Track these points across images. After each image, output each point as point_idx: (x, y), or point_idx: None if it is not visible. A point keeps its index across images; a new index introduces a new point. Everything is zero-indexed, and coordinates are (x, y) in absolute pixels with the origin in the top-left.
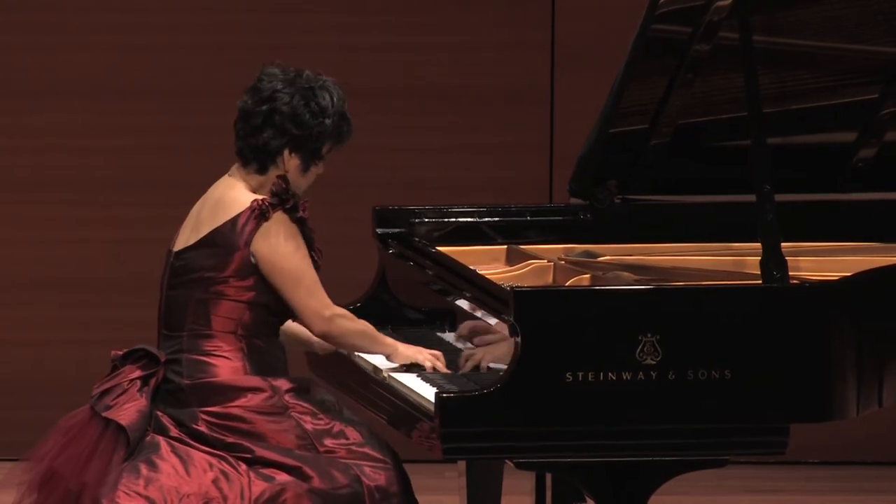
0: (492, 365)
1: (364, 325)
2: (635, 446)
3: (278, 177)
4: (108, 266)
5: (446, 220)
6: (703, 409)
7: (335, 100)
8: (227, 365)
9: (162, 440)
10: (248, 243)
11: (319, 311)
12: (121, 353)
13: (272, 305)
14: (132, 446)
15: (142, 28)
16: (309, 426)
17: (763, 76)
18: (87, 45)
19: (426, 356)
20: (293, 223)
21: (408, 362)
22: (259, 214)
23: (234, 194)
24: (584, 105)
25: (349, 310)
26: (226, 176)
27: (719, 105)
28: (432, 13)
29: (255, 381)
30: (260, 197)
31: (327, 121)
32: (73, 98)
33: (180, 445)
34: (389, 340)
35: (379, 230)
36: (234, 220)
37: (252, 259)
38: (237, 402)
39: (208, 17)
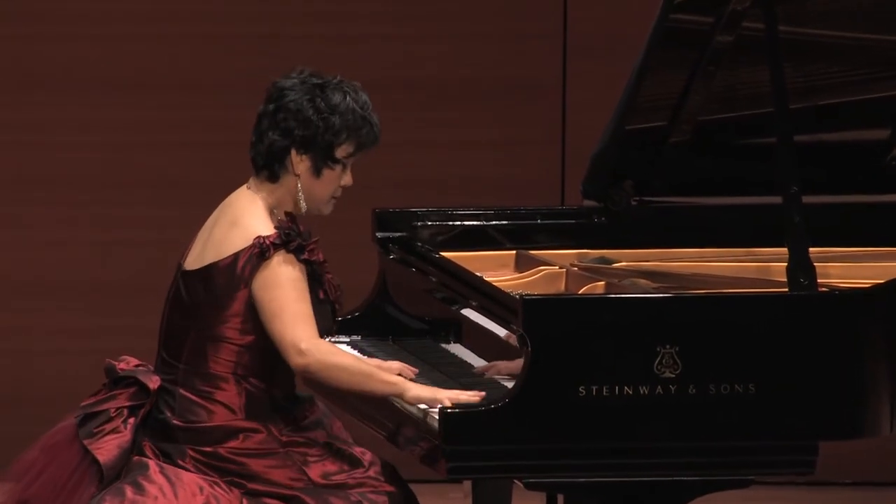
0: (498, 378)
1: (354, 361)
2: (653, 465)
3: (286, 213)
4: (93, 270)
5: (451, 223)
6: (725, 426)
7: (349, 99)
8: (220, 408)
9: (151, 461)
10: (247, 284)
11: (295, 343)
12: (116, 363)
13: (273, 349)
14: (105, 483)
15: (126, 17)
16: (311, 465)
17: (789, 69)
18: (67, 36)
19: (446, 396)
20: (298, 263)
21: (422, 405)
22: (259, 254)
23: (247, 221)
24: (599, 99)
25: (346, 319)
26: (244, 188)
27: (742, 100)
28: (438, 3)
29: (250, 424)
30: (264, 234)
31: (334, 118)
32: (54, 91)
33: (169, 466)
34: (394, 377)
35: (379, 234)
36: (235, 258)
37: (252, 299)
38: (229, 444)
39: (197, 6)
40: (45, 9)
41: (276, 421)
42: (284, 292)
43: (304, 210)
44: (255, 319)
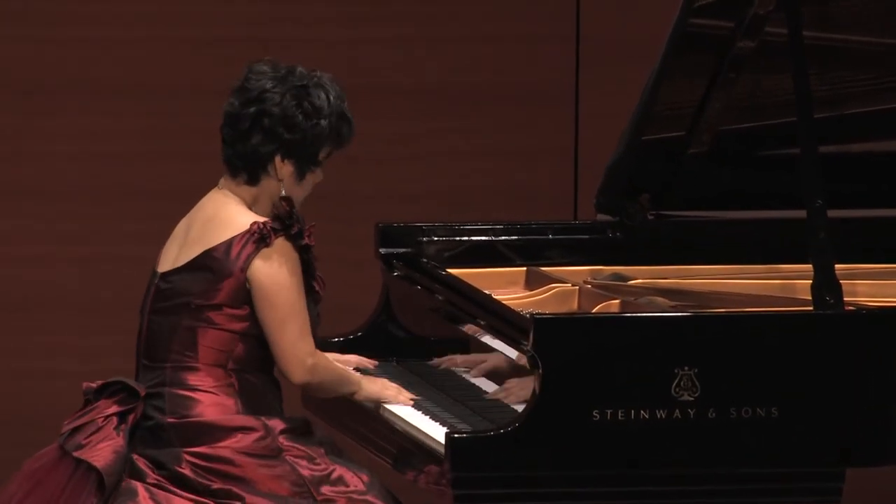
0: (508, 401)
1: (335, 367)
2: (670, 493)
3: (282, 198)
4: (79, 287)
5: (458, 238)
6: (746, 452)
7: (332, 98)
8: (213, 401)
9: (140, 486)
10: (243, 269)
11: (303, 359)
12: (94, 385)
13: (266, 345)
14: (108, 492)
15: (115, 19)
16: (305, 472)
17: (814, 76)
18: (53, 39)
19: (391, 392)
20: (295, 252)
21: (372, 400)
22: (259, 238)
23: (230, 213)
24: (614, 107)
25: (348, 339)
26: (215, 190)
27: (765, 109)
28: (443, 3)
29: (245, 419)
30: (262, 219)
31: (323, 122)
32: (36, 97)
33: (160, 491)
34: (355, 377)
35: (382, 250)
36: (229, 243)
37: (247, 286)
38: (226, 443)
39: (191, 7)
40: (27, 10)
41: (273, 421)
42: (290, 293)
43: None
44: (249, 306)
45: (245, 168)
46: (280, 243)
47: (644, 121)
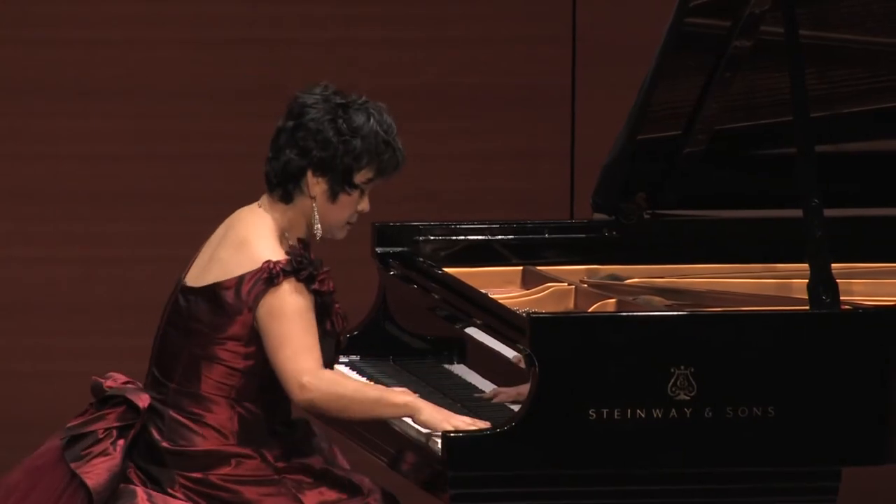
0: (505, 401)
1: (359, 387)
2: (666, 492)
3: (299, 239)
4: (82, 289)
5: (454, 237)
6: (742, 451)
7: (373, 122)
8: (212, 433)
9: (139, 489)
10: (251, 308)
11: (297, 377)
12: (103, 381)
13: (270, 374)
14: None
15: (114, 21)
16: (306, 492)
17: (810, 76)
18: (51, 41)
19: (461, 421)
20: (308, 293)
21: (437, 429)
22: (267, 279)
23: (256, 242)
24: (610, 107)
25: (346, 338)
26: (255, 205)
27: (761, 108)
28: (438, 4)
29: (242, 449)
30: (274, 259)
31: (356, 141)
32: (34, 99)
33: (158, 494)
34: (404, 398)
35: (379, 249)
36: (240, 279)
37: (255, 325)
38: (221, 471)
39: (191, 9)
40: (25, 12)
41: (271, 447)
42: (291, 324)
43: (318, 235)
44: (255, 344)
45: (279, 183)
46: (288, 284)
47: (640, 120)
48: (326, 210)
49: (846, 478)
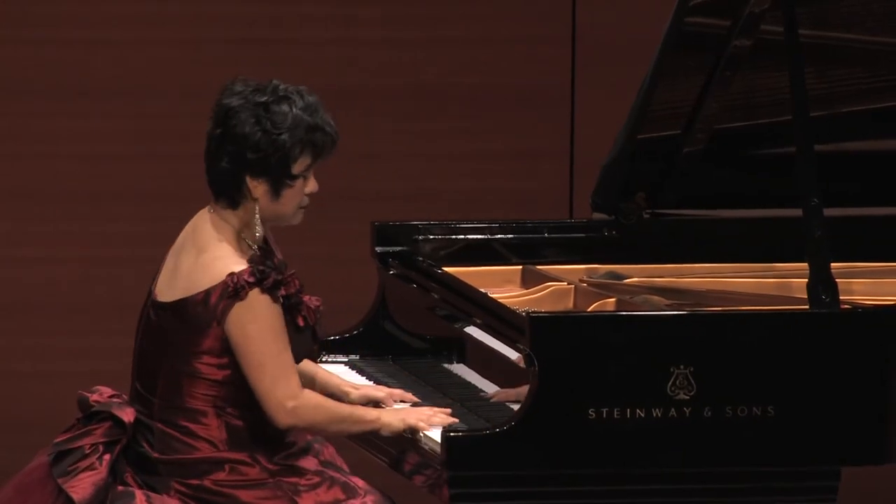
0: (505, 400)
1: (336, 409)
2: (665, 492)
3: (260, 247)
4: (77, 289)
5: (454, 236)
6: (742, 451)
7: (295, 110)
8: (204, 446)
9: (138, 492)
10: (220, 322)
11: (282, 403)
12: (89, 395)
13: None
14: None
15: (113, 21)
16: (302, 494)
17: (810, 75)
18: (50, 41)
19: (420, 417)
20: (275, 301)
21: (401, 432)
22: (233, 293)
23: (214, 251)
24: (609, 107)
25: (344, 338)
26: (207, 210)
27: (761, 108)
28: (438, 4)
29: (235, 454)
30: (237, 269)
31: (283, 136)
32: (35, 99)
33: (157, 496)
34: (371, 415)
35: (378, 248)
36: (207, 294)
37: (224, 336)
38: (215, 476)
39: (190, 9)
40: (25, 12)
41: (264, 450)
42: (263, 344)
43: (258, 235)
44: (230, 355)
45: (223, 192)
46: (254, 295)
47: (640, 120)
48: (274, 207)
49: (846, 478)
